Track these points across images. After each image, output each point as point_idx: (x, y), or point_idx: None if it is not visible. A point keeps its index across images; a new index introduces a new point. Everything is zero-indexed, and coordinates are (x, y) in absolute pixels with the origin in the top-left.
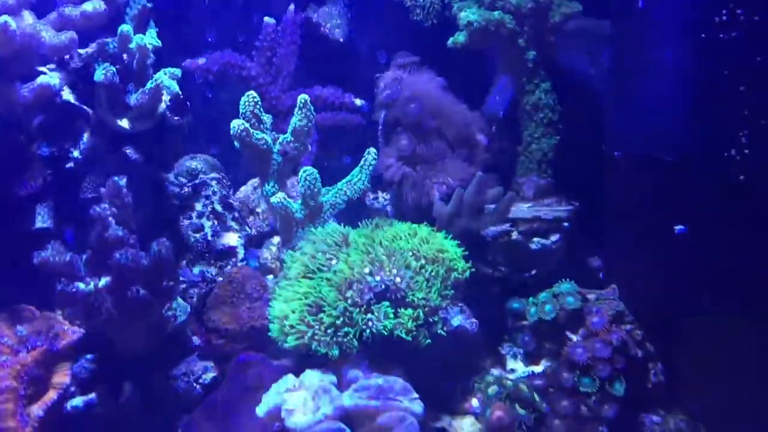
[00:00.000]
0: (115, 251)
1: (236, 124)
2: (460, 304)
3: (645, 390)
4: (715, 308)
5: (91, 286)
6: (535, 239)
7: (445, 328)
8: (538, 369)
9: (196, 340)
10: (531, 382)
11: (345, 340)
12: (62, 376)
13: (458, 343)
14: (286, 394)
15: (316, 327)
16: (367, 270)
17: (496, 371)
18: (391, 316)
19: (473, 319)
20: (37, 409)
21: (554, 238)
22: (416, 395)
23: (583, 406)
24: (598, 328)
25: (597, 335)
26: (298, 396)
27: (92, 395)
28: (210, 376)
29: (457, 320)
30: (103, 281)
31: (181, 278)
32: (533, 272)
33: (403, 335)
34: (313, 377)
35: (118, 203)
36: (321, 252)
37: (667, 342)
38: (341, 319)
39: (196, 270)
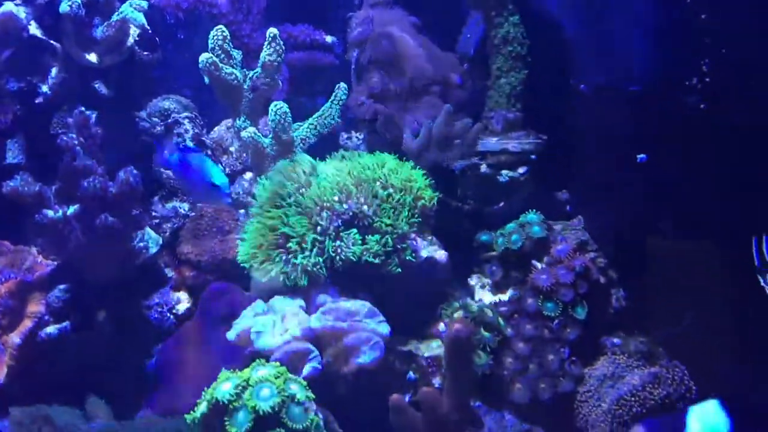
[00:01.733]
0: (83, 180)
1: (204, 58)
2: (429, 237)
3: (607, 315)
4: (675, 236)
5: (60, 213)
6: (503, 172)
7: (414, 255)
8: (504, 297)
9: (169, 272)
10: (497, 309)
11: (314, 268)
12: (36, 306)
13: (428, 273)
14: (255, 318)
15: (285, 256)
16: (335, 198)
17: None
18: (359, 242)
19: (442, 251)
20: (14, 337)
21: (522, 170)
22: (383, 318)
23: (546, 330)
24: (562, 256)
25: (561, 262)
26: (267, 319)
27: (66, 323)
28: (183, 306)
29: (426, 251)
30: (72, 209)
31: (153, 213)
32: (501, 204)
33: (372, 260)
34: (282, 302)
35: (85, 134)
36: (291, 181)
37: (630, 269)
38: (310, 247)
39: (168, 206)
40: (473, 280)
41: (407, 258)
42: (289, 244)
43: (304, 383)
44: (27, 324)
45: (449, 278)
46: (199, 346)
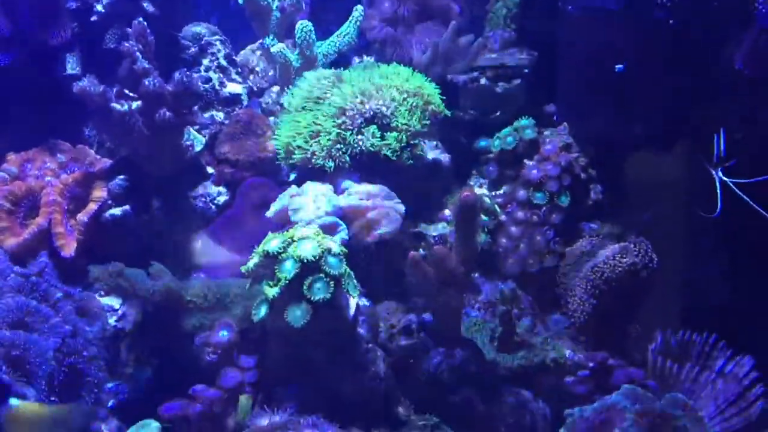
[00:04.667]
0: (143, 79)
1: None
2: (435, 142)
3: (586, 205)
4: (646, 139)
5: (126, 107)
6: (500, 83)
7: (423, 151)
8: (500, 193)
9: (210, 169)
10: (494, 199)
11: (339, 155)
12: (100, 192)
13: (434, 172)
14: (291, 198)
15: (315, 147)
16: (358, 100)
17: None
18: (378, 137)
19: (446, 154)
20: (81, 217)
21: (516, 82)
22: (399, 200)
23: (535, 216)
24: (550, 153)
25: (549, 159)
26: (301, 199)
27: (126, 207)
28: (223, 199)
29: (432, 154)
30: (135, 104)
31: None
32: (498, 114)
33: (389, 154)
34: (313, 186)
35: (143, 42)
36: (318, 87)
37: (607, 168)
38: (336, 139)
39: (206, 115)
40: (472, 181)
41: (419, 153)
42: (318, 138)
43: (338, 240)
44: (92, 207)
45: (451, 177)
46: (237, 229)
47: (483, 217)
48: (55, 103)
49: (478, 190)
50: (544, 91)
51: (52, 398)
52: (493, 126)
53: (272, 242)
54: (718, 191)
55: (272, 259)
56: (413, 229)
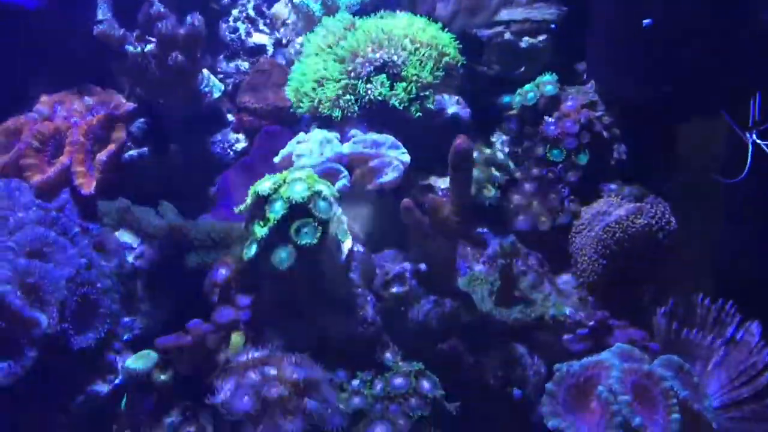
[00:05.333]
0: (156, 23)
1: None
2: (456, 97)
3: (608, 166)
4: (674, 99)
5: (139, 49)
6: (524, 38)
7: (434, 102)
8: (518, 149)
9: (230, 117)
10: (511, 156)
11: (347, 104)
12: (120, 133)
13: (453, 128)
14: (297, 145)
15: (323, 93)
16: (369, 48)
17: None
18: (387, 86)
19: (467, 110)
20: (100, 156)
21: (542, 38)
22: (405, 150)
23: (551, 174)
24: (570, 110)
25: (568, 116)
26: (306, 145)
27: (144, 148)
28: (241, 145)
29: (452, 109)
30: (149, 47)
31: (218, 70)
32: (522, 69)
33: (397, 104)
34: (319, 133)
35: None
36: (332, 33)
37: (633, 129)
38: (344, 87)
39: (231, 64)
40: (494, 137)
41: (429, 105)
42: (327, 83)
43: (330, 184)
44: (112, 147)
45: (471, 132)
46: (252, 174)
47: (494, 171)
48: (88, 49)
49: (498, 147)
50: (575, 49)
51: (64, 325)
52: (518, 82)
53: (265, 183)
54: (750, 155)
55: (264, 200)
56: (423, 181)
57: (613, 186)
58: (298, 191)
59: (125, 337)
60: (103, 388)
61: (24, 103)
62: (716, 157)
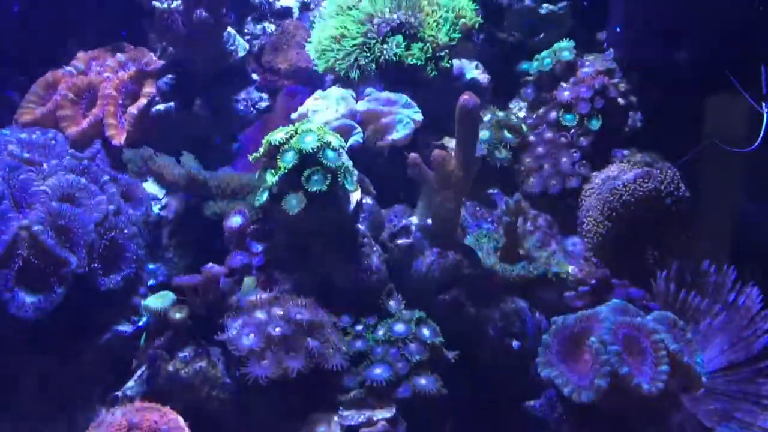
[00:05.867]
0: None
1: None
2: (475, 62)
3: (622, 132)
4: (691, 67)
5: (165, 5)
6: (544, 5)
7: (450, 63)
8: (534, 114)
9: (255, 76)
10: (525, 121)
11: (363, 63)
12: (150, 88)
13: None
14: (314, 102)
15: (340, 53)
16: (387, 9)
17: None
18: (403, 46)
19: (486, 75)
20: (131, 110)
21: (561, 4)
22: (418, 109)
23: (563, 138)
24: (585, 76)
25: (583, 81)
26: (322, 102)
27: (171, 103)
28: (264, 104)
29: (471, 74)
30: (175, 3)
31: (246, 31)
32: (542, 36)
33: (412, 62)
34: (336, 91)
35: None
36: None
37: (649, 97)
38: (360, 46)
39: (258, 26)
40: (512, 104)
41: (444, 65)
42: (344, 42)
43: (340, 137)
44: (142, 101)
45: (490, 98)
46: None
47: (507, 134)
48: (123, 7)
49: (516, 114)
50: (597, 18)
51: (92, 265)
52: (538, 50)
53: (278, 134)
54: (764, 125)
55: (276, 149)
56: (436, 141)
57: (625, 152)
58: (308, 142)
59: (150, 283)
60: (127, 328)
61: (63, 59)
62: (734, 126)
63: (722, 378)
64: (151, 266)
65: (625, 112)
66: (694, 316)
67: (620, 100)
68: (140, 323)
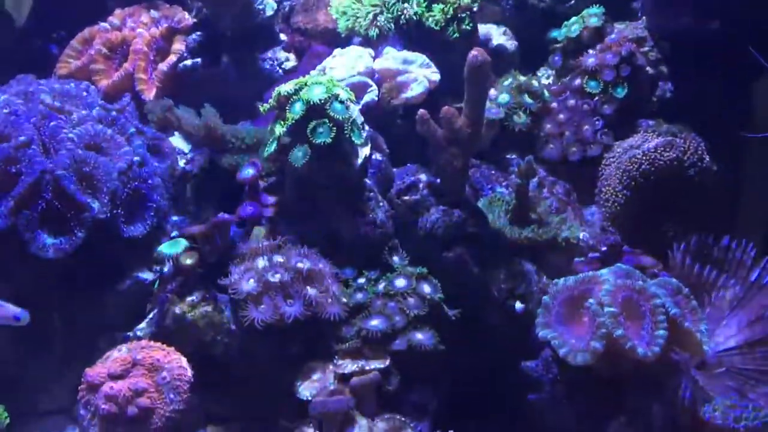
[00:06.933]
0: None
1: None
2: (503, 28)
3: (650, 102)
4: (723, 37)
5: None
6: None
7: (471, 25)
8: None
9: (283, 36)
10: (549, 87)
11: (382, 23)
12: (179, 45)
13: (496, 58)
14: (331, 59)
15: (360, 10)
16: None
17: None
18: (423, 5)
19: (514, 41)
20: (161, 66)
21: None
22: (436, 70)
23: (585, 104)
24: (612, 43)
25: (610, 48)
26: (340, 60)
27: (198, 59)
28: (290, 64)
29: (498, 39)
30: None
31: None
32: (572, 2)
33: (433, 25)
34: (354, 49)
35: None
36: None
37: (681, 67)
38: (380, 5)
39: None
40: (540, 72)
41: (465, 27)
42: (365, 1)
43: (348, 89)
44: (171, 58)
45: (517, 65)
46: None
47: (527, 98)
48: None
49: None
50: None
51: (115, 211)
52: (568, 16)
53: (287, 85)
54: None
55: (286, 101)
56: (457, 104)
57: (651, 122)
58: (316, 93)
59: (173, 234)
60: (148, 276)
61: (102, 15)
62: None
63: (739, 356)
64: (174, 218)
65: (654, 81)
66: (709, 292)
67: (649, 69)
68: (162, 272)
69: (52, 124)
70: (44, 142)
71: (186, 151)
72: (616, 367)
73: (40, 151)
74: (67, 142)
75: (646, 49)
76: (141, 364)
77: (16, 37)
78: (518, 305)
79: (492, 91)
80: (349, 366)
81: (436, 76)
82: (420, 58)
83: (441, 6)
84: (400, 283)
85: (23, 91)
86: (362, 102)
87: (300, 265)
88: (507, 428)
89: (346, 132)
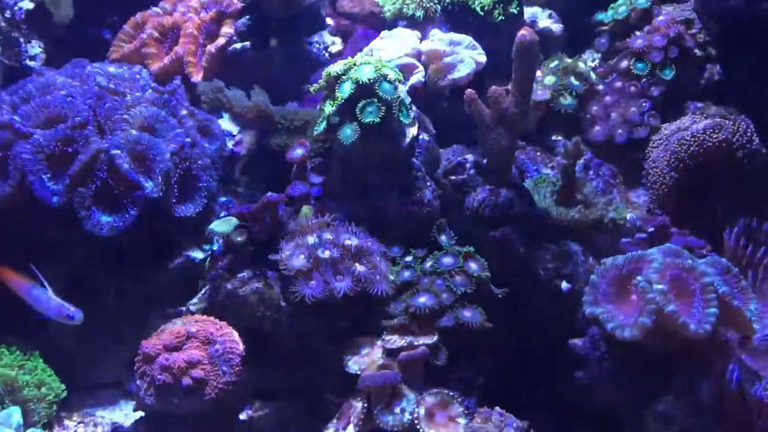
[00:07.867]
0: None
1: None
2: (550, 11)
3: (698, 84)
4: None
5: None
6: None
7: (519, 8)
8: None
9: (329, 21)
10: (595, 69)
11: (429, 4)
12: (228, 28)
13: (542, 42)
14: (379, 41)
15: None
16: None
17: None
18: None
19: (560, 25)
20: (210, 48)
21: None
22: (482, 51)
23: (633, 87)
24: (660, 24)
25: (658, 30)
26: (387, 41)
27: (246, 43)
28: (336, 48)
29: (544, 22)
30: None
31: None
32: None
33: (478, 9)
34: (402, 31)
35: None
36: None
37: (731, 49)
38: None
39: None
40: (586, 55)
41: (512, 10)
42: None
43: (397, 70)
44: (220, 41)
45: (562, 47)
46: None
47: (573, 80)
48: None
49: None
50: None
51: (167, 191)
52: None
53: (337, 66)
54: None
55: (336, 81)
56: (500, 84)
57: (699, 104)
58: (365, 73)
59: (222, 215)
60: (199, 255)
61: (154, 1)
62: None
63: None
64: (222, 199)
65: (703, 63)
66: (759, 273)
67: (697, 51)
68: (213, 250)
69: (107, 105)
70: (99, 122)
71: (234, 132)
72: (664, 346)
73: (96, 131)
74: (121, 123)
75: (694, 31)
76: (195, 337)
77: (66, 25)
78: (564, 285)
79: (538, 73)
80: (397, 341)
81: (483, 58)
82: (466, 39)
83: None
84: (448, 261)
85: (79, 73)
86: (409, 83)
87: (348, 242)
88: (553, 406)
89: (394, 112)
